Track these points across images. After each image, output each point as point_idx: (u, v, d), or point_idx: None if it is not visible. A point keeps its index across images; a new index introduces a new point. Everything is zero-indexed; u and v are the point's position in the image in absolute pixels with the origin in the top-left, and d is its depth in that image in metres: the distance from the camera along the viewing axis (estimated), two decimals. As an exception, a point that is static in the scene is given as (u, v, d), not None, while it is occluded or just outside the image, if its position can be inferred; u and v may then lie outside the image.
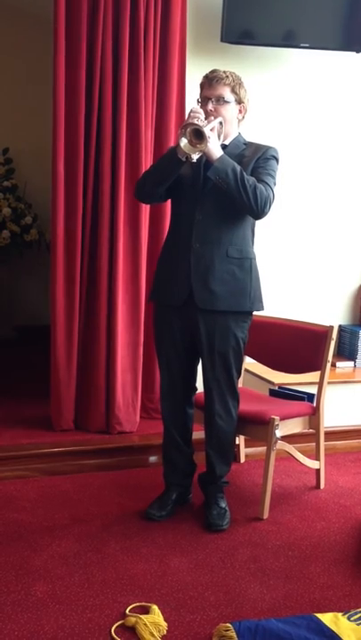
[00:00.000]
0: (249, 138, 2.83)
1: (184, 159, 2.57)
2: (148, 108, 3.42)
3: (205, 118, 2.59)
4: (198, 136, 2.49)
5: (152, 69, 3.40)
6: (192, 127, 2.49)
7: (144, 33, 3.34)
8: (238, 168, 2.58)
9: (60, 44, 3.25)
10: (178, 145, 2.53)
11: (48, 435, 3.46)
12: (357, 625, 2.11)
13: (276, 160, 2.75)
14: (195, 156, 2.54)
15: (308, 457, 3.17)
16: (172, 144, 3.22)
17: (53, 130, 3.32)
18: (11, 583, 2.33)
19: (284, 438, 2.95)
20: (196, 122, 2.50)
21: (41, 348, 4.02)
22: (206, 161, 2.63)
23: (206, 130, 2.49)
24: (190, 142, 2.50)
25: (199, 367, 2.87)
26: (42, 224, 5.08)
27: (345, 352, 4.07)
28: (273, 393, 3.38)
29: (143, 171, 3.09)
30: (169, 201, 2.89)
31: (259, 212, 2.63)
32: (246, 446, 3.50)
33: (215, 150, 2.57)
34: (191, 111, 2.57)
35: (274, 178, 2.70)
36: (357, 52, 3.71)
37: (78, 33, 3.27)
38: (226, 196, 2.61)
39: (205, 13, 3.58)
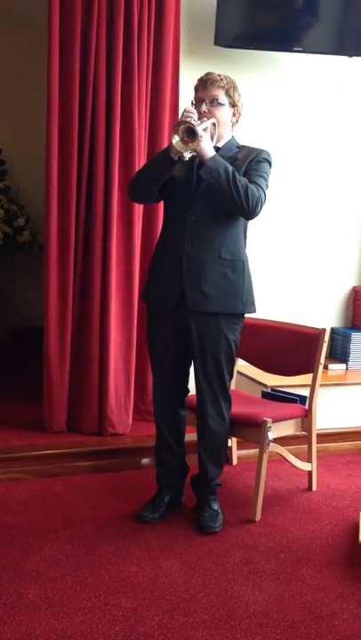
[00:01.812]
0: (242, 141, 2.84)
1: (176, 158, 2.58)
2: (142, 110, 3.42)
3: (198, 119, 2.60)
4: (190, 134, 2.51)
5: (146, 72, 3.40)
6: (185, 125, 2.51)
7: (138, 36, 3.34)
8: (230, 168, 2.60)
9: (53, 45, 3.25)
10: (170, 143, 2.54)
11: (40, 436, 3.46)
12: None
13: (269, 163, 2.76)
14: (187, 155, 2.55)
15: (301, 459, 3.17)
16: (165, 146, 3.22)
17: (46, 131, 3.32)
18: (2, 586, 2.32)
19: (276, 440, 2.95)
20: (188, 120, 2.51)
21: (33, 350, 4.01)
22: (199, 162, 2.64)
23: (199, 128, 2.51)
24: (182, 140, 2.51)
25: (191, 369, 2.87)
26: (35, 225, 5.08)
27: (337, 354, 4.08)
28: (265, 395, 3.38)
29: (136, 173, 3.09)
30: (162, 202, 2.89)
31: (250, 212, 2.64)
32: (239, 448, 3.50)
33: (207, 150, 2.58)
34: (185, 111, 2.59)
35: (266, 180, 2.72)
36: (350, 56, 3.73)
37: (72, 35, 3.27)
38: (218, 196, 2.62)
39: (199, 17, 3.59)
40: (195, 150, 2.54)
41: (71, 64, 3.29)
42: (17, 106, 5.17)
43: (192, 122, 2.51)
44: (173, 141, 2.51)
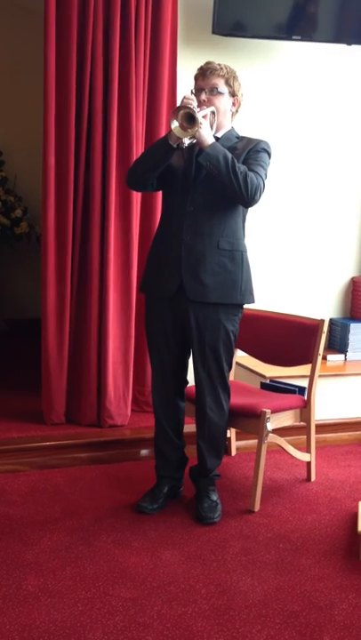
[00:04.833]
0: (240, 129, 2.83)
1: (175, 145, 2.56)
2: (140, 99, 3.40)
3: (198, 107, 2.59)
4: (190, 120, 2.50)
5: (143, 61, 3.38)
6: (184, 110, 2.50)
7: (135, 25, 3.32)
8: (230, 155, 2.59)
9: (50, 35, 3.22)
10: (170, 130, 2.52)
11: (39, 428, 3.46)
12: None
13: (268, 153, 2.74)
14: (186, 141, 2.54)
15: (299, 450, 3.18)
16: (163, 135, 3.21)
17: (44, 122, 3.30)
18: (2, 577, 2.33)
19: (275, 431, 2.95)
20: (188, 106, 2.50)
21: (31, 341, 4.01)
22: (198, 150, 2.63)
23: (198, 114, 2.49)
24: (181, 126, 2.50)
25: (190, 360, 2.86)
26: (32, 217, 5.06)
27: (336, 345, 4.08)
28: (264, 386, 3.38)
29: (134, 163, 3.08)
30: (161, 192, 2.88)
31: (249, 200, 2.63)
32: (237, 439, 3.50)
33: (207, 137, 2.57)
34: (184, 97, 2.57)
35: (265, 169, 2.70)
36: (349, 44, 3.71)
37: (68, 24, 3.25)
38: (217, 185, 2.61)
39: (197, 5, 3.56)
40: (194, 137, 2.53)
41: (68, 54, 3.27)
42: (14, 96, 5.14)
43: (192, 107, 2.50)
44: (172, 126, 2.50)
